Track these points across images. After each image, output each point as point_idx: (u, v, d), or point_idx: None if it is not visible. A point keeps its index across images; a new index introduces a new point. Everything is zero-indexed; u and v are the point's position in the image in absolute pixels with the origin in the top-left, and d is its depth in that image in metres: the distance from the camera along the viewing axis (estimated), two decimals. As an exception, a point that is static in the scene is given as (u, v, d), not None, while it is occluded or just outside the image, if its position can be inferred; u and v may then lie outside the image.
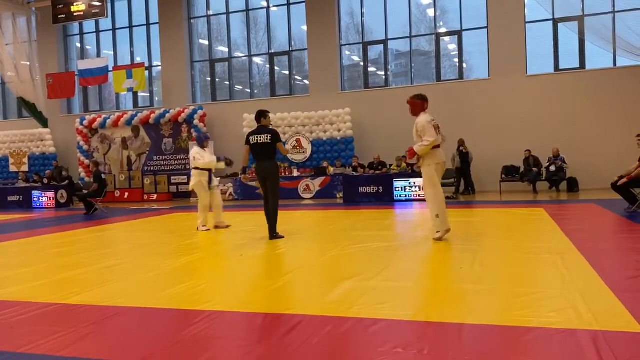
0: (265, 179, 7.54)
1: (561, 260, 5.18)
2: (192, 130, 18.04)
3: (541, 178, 14.59)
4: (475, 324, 3.35)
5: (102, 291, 4.71)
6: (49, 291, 4.76)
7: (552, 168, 14.42)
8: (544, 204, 11.10)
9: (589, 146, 14.94)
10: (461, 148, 14.72)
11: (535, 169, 14.49)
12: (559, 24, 15.64)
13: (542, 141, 14.94)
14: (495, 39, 15.95)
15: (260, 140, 7.46)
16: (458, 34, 16.69)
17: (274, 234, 7.44)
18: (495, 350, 2.98)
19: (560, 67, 15.78)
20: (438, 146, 6.78)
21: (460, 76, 16.84)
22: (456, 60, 17.06)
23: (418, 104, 7.18)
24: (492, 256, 5.67)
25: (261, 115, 7.66)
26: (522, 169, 14.95)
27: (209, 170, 8.98)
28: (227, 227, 9.00)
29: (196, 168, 8.92)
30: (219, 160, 9.18)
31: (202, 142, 9.16)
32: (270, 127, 7.73)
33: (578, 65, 15.62)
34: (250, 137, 7.56)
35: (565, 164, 14.38)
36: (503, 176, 15.18)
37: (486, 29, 16.16)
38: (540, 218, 8.79)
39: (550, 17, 15.63)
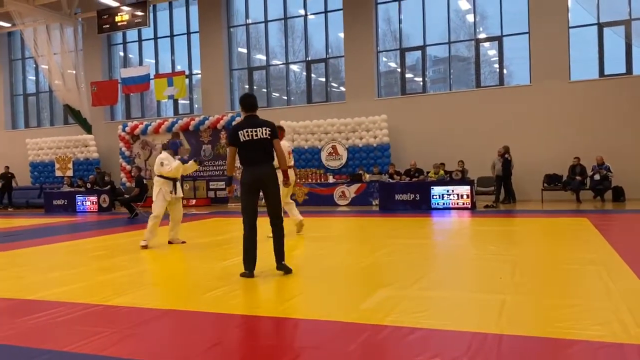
0: (265, 188, 5.41)
1: (606, 271, 5.01)
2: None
3: (585, 187, 14.16)
4: (515, 335, 3.27)
5: (141, 294, 4.81)
6: (91, 293, 4.89)
7: (597, 177, 13.97)
8: (587, 214, 10.76)
9: (635, 154, 14.41)
10: (506, 155, 14.41)
11: (579, 178, 14.08)
12: (605, 29, 15.20)
13: (586, 149, 14.50)
14: (537, 44, 15.61)
15: (256, 135, 5.35)
16: (498, 39, 16.42)
17: (282, 262, 5.51)
18: (537, 363, 2.89)
19: (606, 73, 15.31)
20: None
21: (501, 82, 16.54)
22: (496, 66, 16.78)
23: (282, 133, 8.34)
24: (532, 266, 5.53)
25: (254, 100, 5.58)
26: (564, 178, 14.54)
27: (174, 179, 8.10)
28: (183, 242, 8.24)
29: (160, 176, 8.03)
30: (185, 162, 8.17)
31: (176, 149, 8.69)
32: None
33: (624, 71, 15.12)
34: (241, 133, 5.33)
35: (610, 172, 13.91)
36: (545, 185, 14.80)
37: (527, 35, 15.84)
38: (584, 228, 8.53)
39: (595, 21, 15.20)
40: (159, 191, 7.97)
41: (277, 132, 5.50)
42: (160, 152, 8.36)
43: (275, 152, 5.48)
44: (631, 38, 14.84)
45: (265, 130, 5.35)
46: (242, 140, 5.31)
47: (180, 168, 7.97)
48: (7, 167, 20.30)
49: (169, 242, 8.21)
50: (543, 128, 15.36)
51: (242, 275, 5.30)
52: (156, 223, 7.91)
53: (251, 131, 5.31)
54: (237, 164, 5.66)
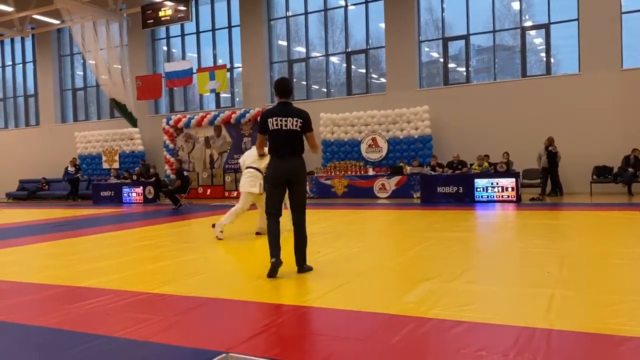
0: (291, 185, 5.09)
1: (661, 267, 4.80)
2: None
3: (637, 179, 13.60)
4: (564, 330, 3.18)
5: (187, 282, 4.91)
6: (138, 281, 5.03)
7: (650, 169, 13.40)
8: None
9: (692, 145, 13.74)
10: (550, 147, 13.99)
11: (631, 170, 13.53)
12: (659, 14, 14.50)
13: (638, 140, 13.91)
14: (587, 31, 15.03)
15: (286, 125, 5.00)
16: (545, 27, 15.90)
17: (303, 266, 5.21)
18: (588, 359, 2.80)
19: (660, 60, 14.62)
20: None
21: (548, 71, 16.04)
22: (543, 54, 16.26)
23: None
24: (581, 261, 5.35)
25: (288, 85, 5.19)
26: (615, 170, 14.00)
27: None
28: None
29: (257, 169, 7.71)
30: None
31: None
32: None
33: (680, 58, 14.41)
34: (270, 121, 5.03)
35: (664, 164, 13.32)
36: (594, 177, 14.30)
37: (577, 21, 15.27)
38: (636, 222, 8.20)
39: (649, 6, 14.53)
40: (252, 185, 7.62)
41: (310, 124, 5.11)
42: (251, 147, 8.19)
43: (308, 145, 5.16)
44: (688, 23, 14.11)
45: (297, 121, 4.99)
46: (270, 128, 5.00)
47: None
48: (75, 159, 21.16)
49: (257, 234, 7.97)
50: (592, 118, 14.82)
51: (272, 265, 4.98)
52: (238, 216, 7.86)
53: (281, 120, 4.96)
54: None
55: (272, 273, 4.97)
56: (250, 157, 7.89)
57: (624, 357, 2.82)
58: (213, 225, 7.90)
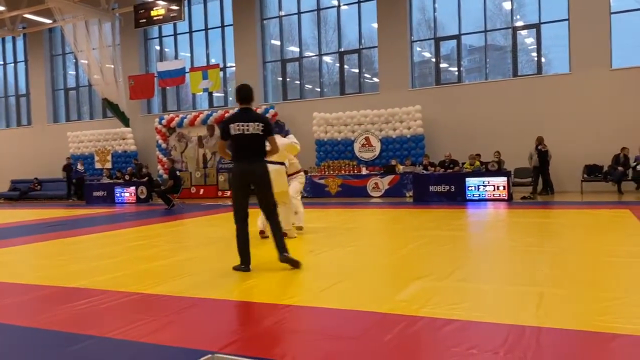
0: (256, 188, 5.35)
1: (650, 264, 4.86)
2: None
3: (627, 178, 13.72)
4: (554, 328, 3.21)
5: (179, 282, 4.92)
6: (131, 281, 5.02)
7: (639, 167, 13.51)
8: (630, 205, 10.44)
9: (681, 144, 13.87)
10: (540, 146, 14.08)
11: (620, 168, 13.64)
12: (648, 14, 14.62)
13: (628, 139, 14.03)
14: (577, 31, 15.14)
15: (248, 130, 5.20)
16: (536, 27, 16.00)
17: (284, 253, 5.33)
18: (578, 356, 2.84)
19: (649, 60, 14.75)
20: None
21: (539, 71, 16.14)
22: (534, 54, 16.36)
23: None
24: (572, 259, 5.40)
25: (249, 92, 5.39)
26: (605, 168, 14.12)
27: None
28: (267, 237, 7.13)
29: (282, 164, 7.19)
30: None
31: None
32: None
33: (670, 57, 14.54)
34: (232, 126, 5.20)
35: (654, 162, 13.45)
36: (585, 175, 14.41)
37: (567, 21, 15.38)
38: (626, 220, 8.28)
39: (639, 6, 14.63)
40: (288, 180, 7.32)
41: (272, 128, 5.37)
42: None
43: (270, 147, 5.39)
44: (678, 23, 14.24)
45: (259, 125, 5.21)
46: (232, 133, 5.20)
47: None
48: (69, 159, 21.03)
49: (261, 232, 7.41)
50: (583, 117, 14.93)
51: (236, 268, 5.29)
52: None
53: (243, 125, 5.18)
54: None
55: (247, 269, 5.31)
56: None
57: (613, 355, 2.85)
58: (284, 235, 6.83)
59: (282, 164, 7.00)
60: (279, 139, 6.57)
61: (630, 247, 5.87)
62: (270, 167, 6.46)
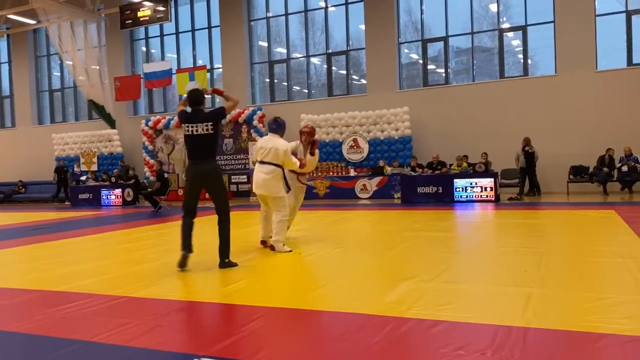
0: (206, 189, 5.45)
1: (635, 264, 4.91)
2: (252, 130, 18.43)
3: (612, 178, 13.87)
4: (541, 328, 3.23)
5: (166, 285, 4.87)
6: (117, 284, 4.97)
7: (624, 168, 13.67)
8: (615, 206, 10.55)
9: (664, 145, 14.07)
10: (527, 147, 14.19)
11: (606, 169, 13.79)
12: (633, 16, 14.81)
13: (613, 140, 14.19)
14: (563, 33, 15.29)
15: (197, 131, 5.29)
16: (522, 29, 16.14)
17: (225, 260, 5.45)
18: (564, 356, 2.85)
19: (634, 62, 14.93)
20: None
21: (525, 73, 16.27)
22: (520, 56, 16.50)
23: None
24: (558, 259, 5.44)
25: (201, 94, 5.52)
26: (591, 169, 14.26)
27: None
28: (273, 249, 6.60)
29: (279, 166, 6.46)
30: None
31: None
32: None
33: (653, 59, 14.75)
34: (183, 126, 5.39)
35: (638, 163, 13.60)
36: (571, 176, 14.55)
37: (553, 24, 15.53)
38: (612, 220, 8.36)
39: (623, 9, 14.83)
40: (283, 186, 6.54)
41: (221, 112, 5.45)
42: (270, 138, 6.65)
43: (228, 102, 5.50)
44: (660, 25, 14.45)
45: (206, 125, 5.27)
46: (184, 134, 5.40)
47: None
48: (63, 161, 20.78)
49: (263, 242, 6.85)
50: (569, 119, 15.08)
51: (182, 256, 5.39)
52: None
53: (192, 126, 5.30)
54: None
55: (182, 265, 5.35)
56: (270, 149, 6.39)
57: (599, 354, 2.87)
58: (272, 248, 6.48)
59: (279, 166, 6.37)
60: (278, 139, 6.43)
61: (616, 247, 5.93)
62: (263, 168, 6.32)
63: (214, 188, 5.46)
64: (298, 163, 6.53)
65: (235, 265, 5.51)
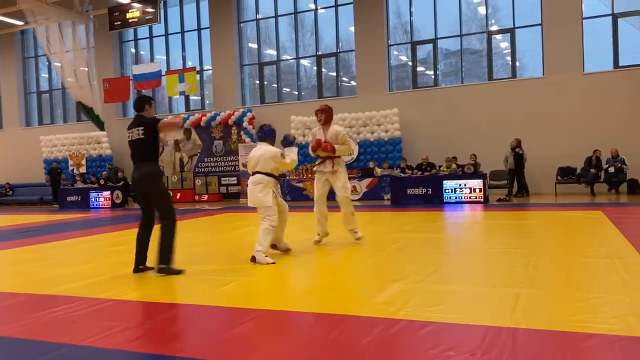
0: (142, 191, 5.46)
1: (622, 265, 4.96)
2: (242, 132, 18.39)
3: (599, 180, 14.01)
4: (530, 329, 3.25)
5: (155, 288, 4.85)
6: (106, 287, 4.93)
7: (611, 169, 13.81)
8: (602, 207, 10.65)
9: (651, 146, 14.23)
10: (517, 149, 14.28)
11: (593, 170, 13.92)
12: (619, 19, 14.98)
13: (600, 141, 14.33)
14: (550, 36, 15.43)
15: (131, 137, 5.39)
16: (511, 31, 16.26)
17: (162, 266, 5.30)
18: (552, 356, 2.87)
19: (620, 64, 15.10)
20: None
21: (513, 75, 16.39)
22: (509, 58, 16.62)
23: (331, 114, 7.25)
24: (547, 260, 5.48)
25: (143, 102, 5.56)
26: (578, 170, 14.39)
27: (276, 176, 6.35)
28: (288, 250, 6.51)
29: (271, 175, 6.15)
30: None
31: (274, 137, 6.43)
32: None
33: (639, 62, 14.91)
34: (127, 133, 5.49)
35: (625, 165, 13.74)
36: (559, 178, 14.67)
37: (540, 26, 15.66)
38: (599, 221, 8.44)
39: (609, 12, 14.99)
40: (272, 195, 6.11)
41: (154, 125, 5.33)
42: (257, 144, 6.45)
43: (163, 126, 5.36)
44: (646, 28, 14.62)
45: (139, 130, 5.33)
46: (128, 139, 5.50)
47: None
48: (57, 163, 20.58)
49: (273, 247, 6.40)
50: (556, 120, 15.21)
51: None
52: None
53: (130, 132, 5.42)
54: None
55: (136, 270, 5.49)
56: (258, 158, 6.19)
57: (587, 354, 2.90)
58: (253, 259, 5.97)
59: (270, 174, 6.12)
60: (267, 146, 6.21)
61: (603, 247, 5.98)
62: (252, 179, 6.08)
63: (150, 192, 5.40)
64: (292, 161, 6.31)
65: (179, 272, 5.27)
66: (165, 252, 5.32)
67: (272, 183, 6.15)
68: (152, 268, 5.52)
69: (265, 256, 5.88)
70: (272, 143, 6.35)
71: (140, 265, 5.53)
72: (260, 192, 6.04)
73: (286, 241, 6.51)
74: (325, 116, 7.10)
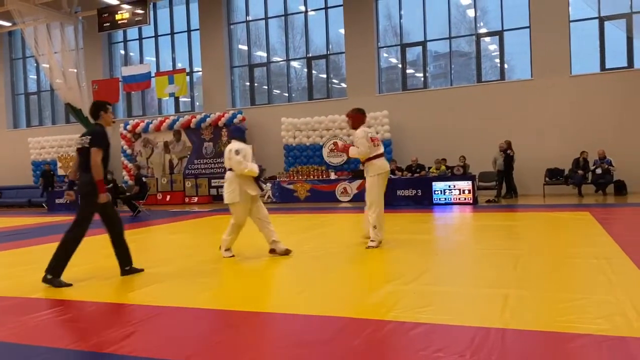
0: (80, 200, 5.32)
1: (609, 265, 5.01)
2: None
3: (587, 181, 14.14)
4: (519, 329, 3.28)
5: (146, 291, 4.82)
6: (94, 291, 4.90)
7: (598, 171, 13.95)
8: (590, 208, 10.76)
9: (637, 148, 14.39)
10: (509, 151, 14.37)
11: (580, 172, 14.06)
12: (606, 22, 15.15)
13: (587, 143, 14.48)
14: (538, 38, 15.57)
15: (79, 145, 5.28)
16: (499, 34, 16.38)
17: (48, 277, 5.11)
18: (541, 356, 2.90)
19: (607, 67, 15.27)
20: (380, 156, 6.87)
21: (502, 77, 16.51)
22: (497, 60, 16.74)
23: (359, 117, 7.22)
24: (535, 260, 5.53)
25: (99, 109, 5.38)
26: (566, 172, 14.53)
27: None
28: (288, 252, 6.39)
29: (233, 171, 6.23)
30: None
31: (242, 134, 6.51)
32: (100, 126, 5.35)
33: (626, 64, 15.08)
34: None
35: (612, 166, 13.89)
36: (547, 179, 14.79)
37: (528, 29, 15.80)
38: (586, 222, 8.52)
39: (596, 15, 15.15)
40: (239, 192, 6.16)
41: (97, 140, 5.16)
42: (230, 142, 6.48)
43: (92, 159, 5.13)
44: (632, 31, 14.79)
45: (86, 139, 5.21)
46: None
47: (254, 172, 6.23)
48: (49, 165, 20.37)
49: (272, 251, 6.39)
50: (544, 122, 15.34)
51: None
52: (238, 233, 6.44)
53: (80, 139, 5.30)
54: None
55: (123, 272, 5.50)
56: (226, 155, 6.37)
57: (574, 354, 2.93)
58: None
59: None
60: (232, 144, 6.23)
61: (590, 248, 6.04)
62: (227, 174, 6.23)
63: (81, 202, 5.33)
64: (238, 163, 6.08)
65: (64, 285, 5.02)
66: (58, 261, 5.13)
67: (236, 180, 6.18)
68: (141, 270, 5.50)
69: (225, 250, 6.36)
70: (243, 141, 6.41)
71: (125, 267, 5.51)
72: (226, 188, 6.25)
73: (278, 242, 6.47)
74: (352, 122, 7.27)
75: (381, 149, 6.97)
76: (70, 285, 5.07)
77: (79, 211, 5.31)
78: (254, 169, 6.19)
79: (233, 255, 6.40)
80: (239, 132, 6.54)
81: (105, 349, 3.22)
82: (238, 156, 6.12)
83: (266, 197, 16.40)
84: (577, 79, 15.28)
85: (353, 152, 6.99)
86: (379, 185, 6.74)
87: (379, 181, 6.75)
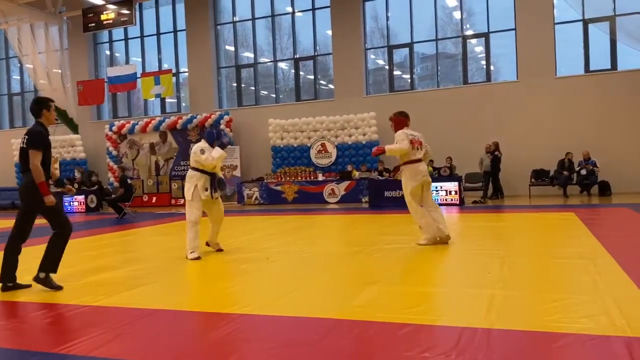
0: (22, 202, 5.12)
1: (593, 265, 5.06)
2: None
3: (572, 182, 14.30)
4: (504, 329, 3.30)
5: (131, 294, 4.78)
6: (80, 293, 4.85)
7: (583, 172, 14.11)
8: (574, 208, 10.87)
9: (621, 149, 14.58)
10: (496, 152, 14.47)
11: (566, 173, 14.21)
12: (590, 25, 15.33)
13: (572, 144, 14.64)
14: (524, 40, 15.72)
15: (21, 143, 4.99)
16: (485, 36, 16.52)
17: (40, 276, 5.04)
18: (526, 356, 2.92)
19: (591, 69, 15.46)
20: (419, 161, 6.96)
21: (488, 79, 16.64)
22: (483, 62, 16.87)
23: (401, 120, 7.36)
24: (521, 261, 5.57)
25: (41, 106, 5.09)
26: (551, 173, 14.67)
27: (212, 173, 6.65)
28: (220, 250, 6.96)
29: (195, 169, 6.56)
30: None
31: (212, 141, 6.65)
32: (41, 125, 5.06)
33: (609, 67, 15.28)
34: None
35: (596, 167, 14.06)
36: (532, 180, 14.92)
37: (514, 31, 15.94)
38: (571, 222, 8.61)
39: (580, 17, 15.33)
40: (194, 189, 6.50)
41: (33, 141, 4.86)
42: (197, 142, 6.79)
43: (31, 164, 4.83)
44: (615, 34, 14.99)
45: (24, 138, 4.93)
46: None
47: (223, 157, 6.54)
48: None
49: (207, 244, 7.04)
50: (530, 124, 15.48)
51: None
52: (197, 230, 6.54)
53: (22, 138, 4.98)
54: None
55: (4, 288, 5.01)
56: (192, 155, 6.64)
57: (559, 353, 2.95)
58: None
59: (196, 169, 6.54)
60: (216, 151, 6.46)
61: (575, 248, 6.10)
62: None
63: (22, 204, 5.05)
64: (206, 158, 6.39)
65: (57, 288, 4.95)
66: (50, 261, 5.03)
67: (195, 178, 6.49)
68: (28, 285, 5.09)
69: (191, 252, 6.40)
70: (213, 145, 6.60)
71: (8, 283, 5.00)
72: (185, 185, 6.60)
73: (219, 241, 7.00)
74: (394, 125, 7.44)
75: (420, 154, 6.98)
76: (61, 287, 4.97)
77: (47, 215, 5.07)
78: (216, 154, 6.45)
79: (199, 257, 6.44)
80: (210, 137, 6.67)
81: (89, 353, 3.18)
82: (203, 155, 6.41)
83: (253, 198, 16.36)
84: (562, 81, 15.45)
85: (391, 147, 7.03)
86: (411, 189, 6.87)
87: (411, 185, 6.87)
